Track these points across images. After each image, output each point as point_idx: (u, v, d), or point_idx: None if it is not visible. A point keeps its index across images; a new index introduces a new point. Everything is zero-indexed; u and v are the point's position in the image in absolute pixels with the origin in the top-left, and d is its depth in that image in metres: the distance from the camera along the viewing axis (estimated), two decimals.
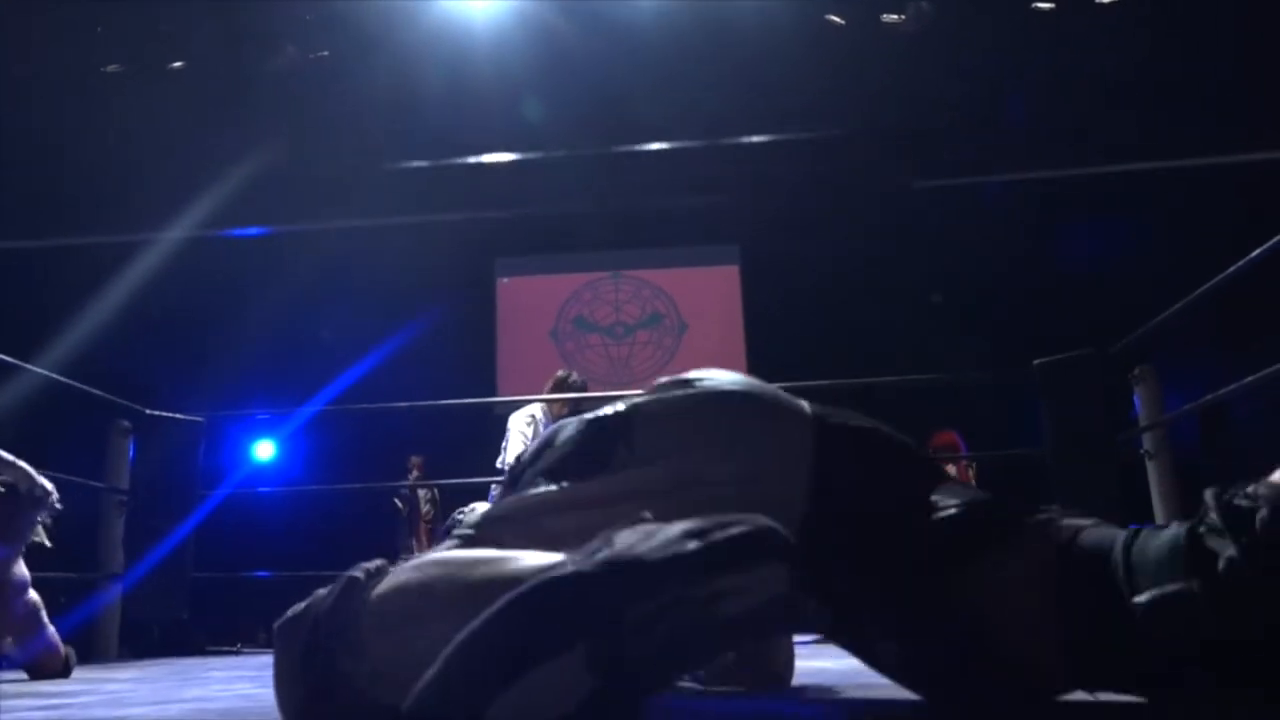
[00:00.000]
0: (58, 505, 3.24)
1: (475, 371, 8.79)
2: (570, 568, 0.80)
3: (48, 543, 3.25)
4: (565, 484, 1.18)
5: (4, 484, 3.07)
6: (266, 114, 6.66)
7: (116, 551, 4.76)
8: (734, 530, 0.80)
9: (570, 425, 1.29)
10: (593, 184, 7.60)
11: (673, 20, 6.73)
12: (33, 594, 3.20)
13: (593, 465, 1.19)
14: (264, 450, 8.61)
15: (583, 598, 0.77)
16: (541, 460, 1.25)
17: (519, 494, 1.22)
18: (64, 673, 3.14)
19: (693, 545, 0.79)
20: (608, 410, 1.27)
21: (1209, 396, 3.67)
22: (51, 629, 3.20)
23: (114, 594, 4.70)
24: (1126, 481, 4.34)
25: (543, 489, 1.19)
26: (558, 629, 0.75)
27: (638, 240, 9.06)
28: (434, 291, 8.51)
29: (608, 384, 8.87)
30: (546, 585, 0.78)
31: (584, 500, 1.15)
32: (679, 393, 1.28)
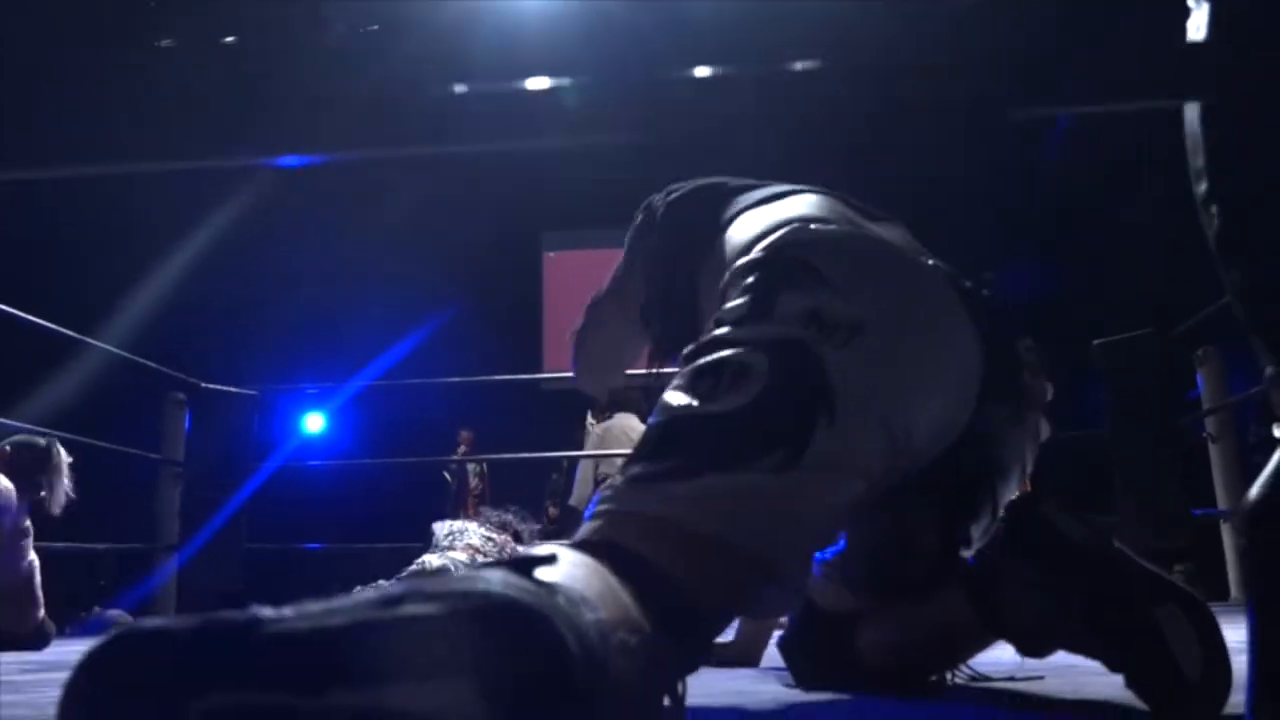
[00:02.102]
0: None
1: (522, 345, 8.81)
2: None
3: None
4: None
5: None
6: (316, 88, 6.67)
7: (173, 523, 4.83)
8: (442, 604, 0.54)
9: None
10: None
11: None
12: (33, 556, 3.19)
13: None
14: (314, 423, 8.70)
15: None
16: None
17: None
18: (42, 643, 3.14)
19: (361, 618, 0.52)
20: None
21: None
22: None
23: (171, 566, 4.78)
24: (1188, 464, 4.25)
25: None
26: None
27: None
28: (482, 266, 8.53)
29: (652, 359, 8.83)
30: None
31: None
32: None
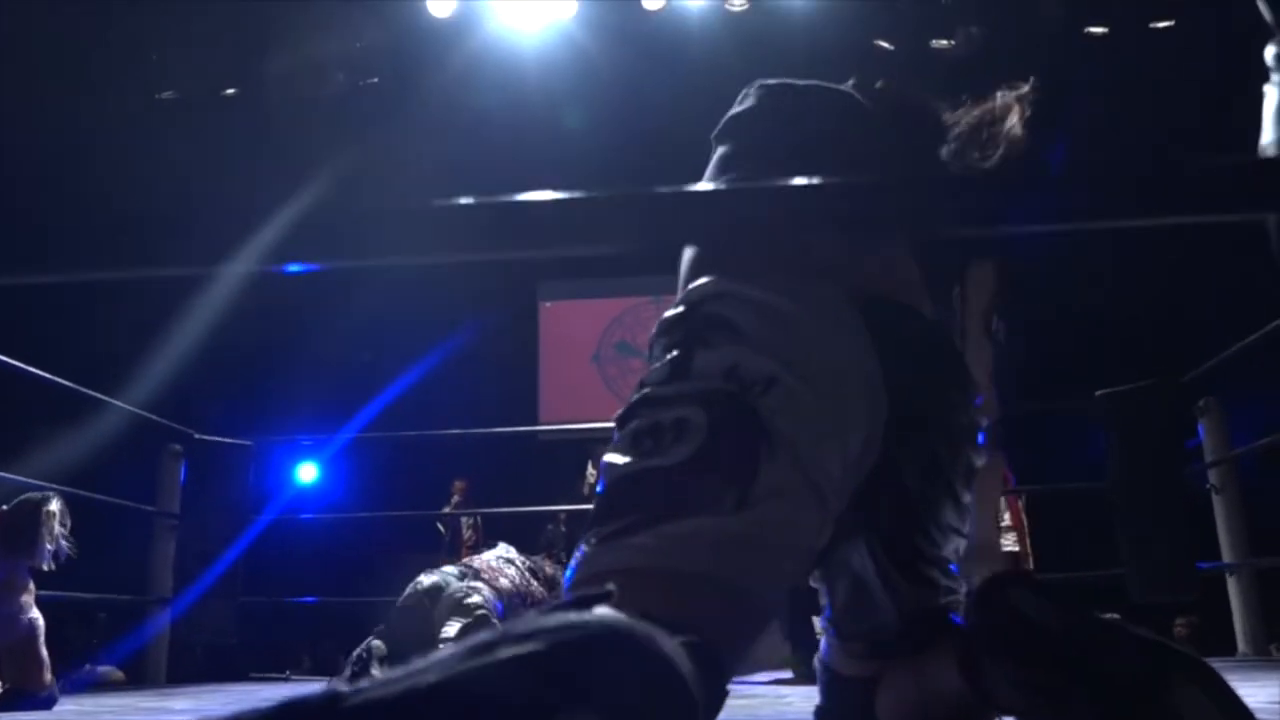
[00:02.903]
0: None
1: (517, 395, 8.78)
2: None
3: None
4: None
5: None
6: (319, 140, 6.72)
7: (167, 575, 4.76)
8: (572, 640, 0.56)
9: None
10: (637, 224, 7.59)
11: (720, 45, 6.72)
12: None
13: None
14: (307, 473, 8.63)
15: None
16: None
17: None
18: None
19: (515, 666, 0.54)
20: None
21: None
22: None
23: (164, 618, 4.71)
24: (1192, 517, 4.23)
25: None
26: None
27: (679, 264, 9.02)
28: (477, 314, 8.53)
29: None
30: None
31: None
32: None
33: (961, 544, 1.28)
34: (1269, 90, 0.92)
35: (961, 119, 1.35)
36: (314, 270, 0.78)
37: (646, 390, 1.06)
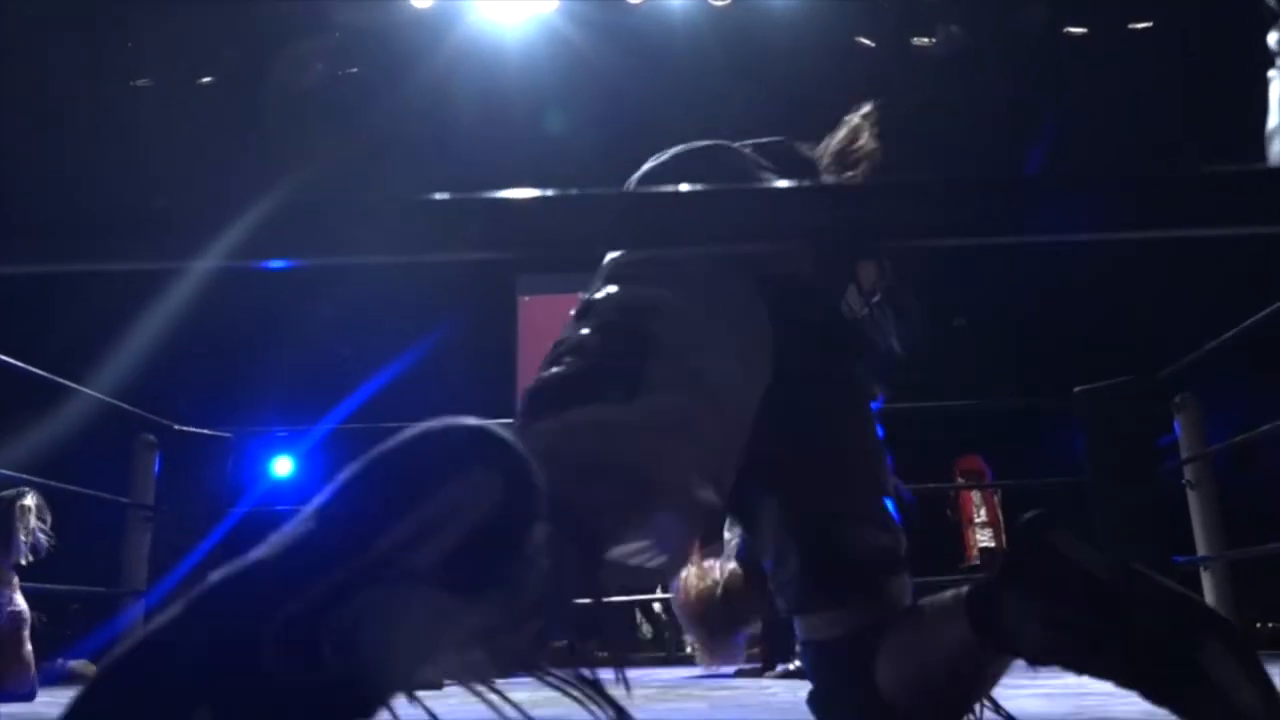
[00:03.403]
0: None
1: (495, 389, 8.74)
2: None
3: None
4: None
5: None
6: (296, 130, 6.67)
7: (141, 567, 4.71)
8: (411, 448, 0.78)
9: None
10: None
11: (702, 41, 6.72)
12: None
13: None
14: (282, 467, 8.57)
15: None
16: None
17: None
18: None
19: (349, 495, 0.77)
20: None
21: (1266, 427, 3.61)
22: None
23: (138, 611, 4.65)
24: (1168, 511, 4.28)
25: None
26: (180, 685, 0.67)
27: None
28: (455, 308, 8.49)
29: None
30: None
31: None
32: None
33: (881, 494, 1.35)
34: (1274, 75, 0.93)
35: (825, 150, 1.49)
36: (290, 267, 0.77)
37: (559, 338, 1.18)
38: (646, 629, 8.37)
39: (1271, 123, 0.92)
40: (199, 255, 0.71)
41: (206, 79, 6.89)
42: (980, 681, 1.31)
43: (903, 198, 0.71)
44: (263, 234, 0.69)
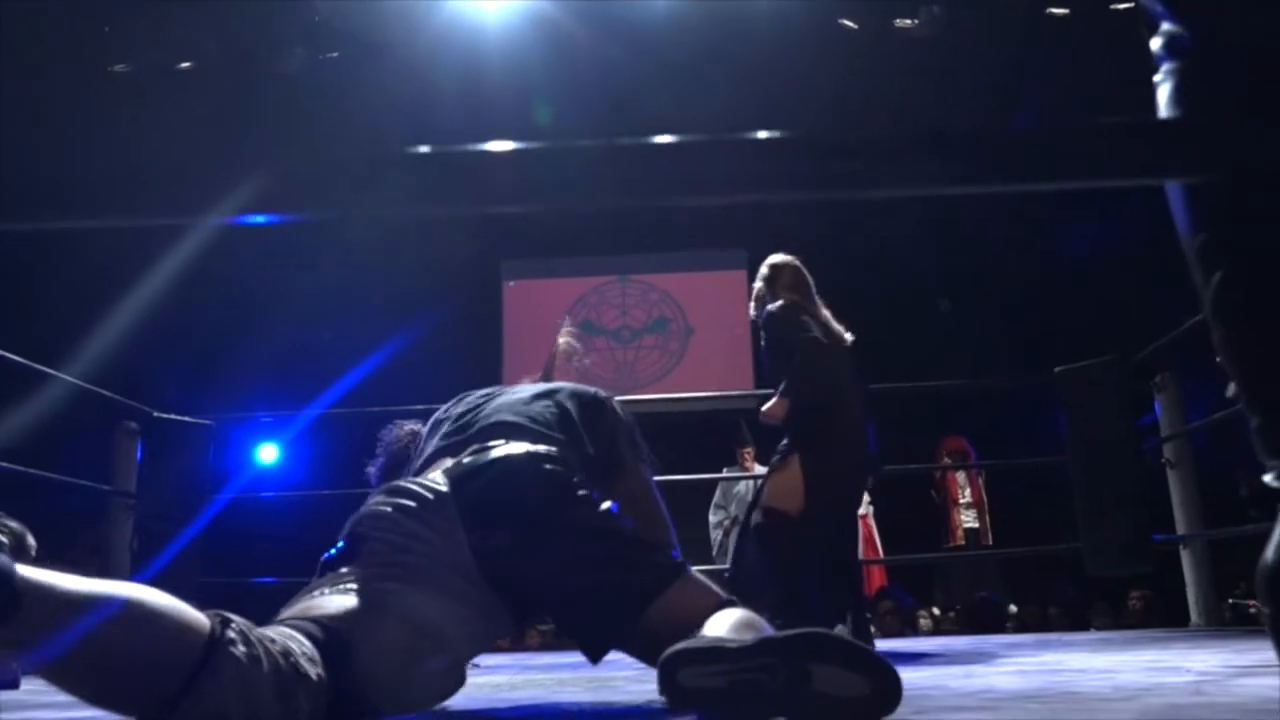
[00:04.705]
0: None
1: (481, 375, 8.70)
2: None
3: None
4: None
5: None
6: (276, 116, 6.62)
7: (124, 555, 4.69)
8: None
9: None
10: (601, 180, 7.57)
11: (684, 24, 6.69)
12: None
13: None
14: (267, 454, 8.54)
15: None
16: None
17: None
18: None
19: None
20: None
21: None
22: None
23: None
24: (1147, 490, 4.30)
25: None
26: None
27: (645, 244, 9.01)
28: (441, 294, 8.47)
29: (613, 388, 8.80)
30: None
31: None
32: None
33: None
34: (1159, 80, 0.93)
35: None
36: (273, 223, 0.77)
37: None
38: None
39: None
40: (177, 210, 0.70)
41: (186, 64, 6.82)
42: None
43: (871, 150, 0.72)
44: (244, 188, 0.69)
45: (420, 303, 8.28)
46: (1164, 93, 0.93)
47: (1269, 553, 0.78)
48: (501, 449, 1.57)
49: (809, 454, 3.12)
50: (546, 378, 2.11)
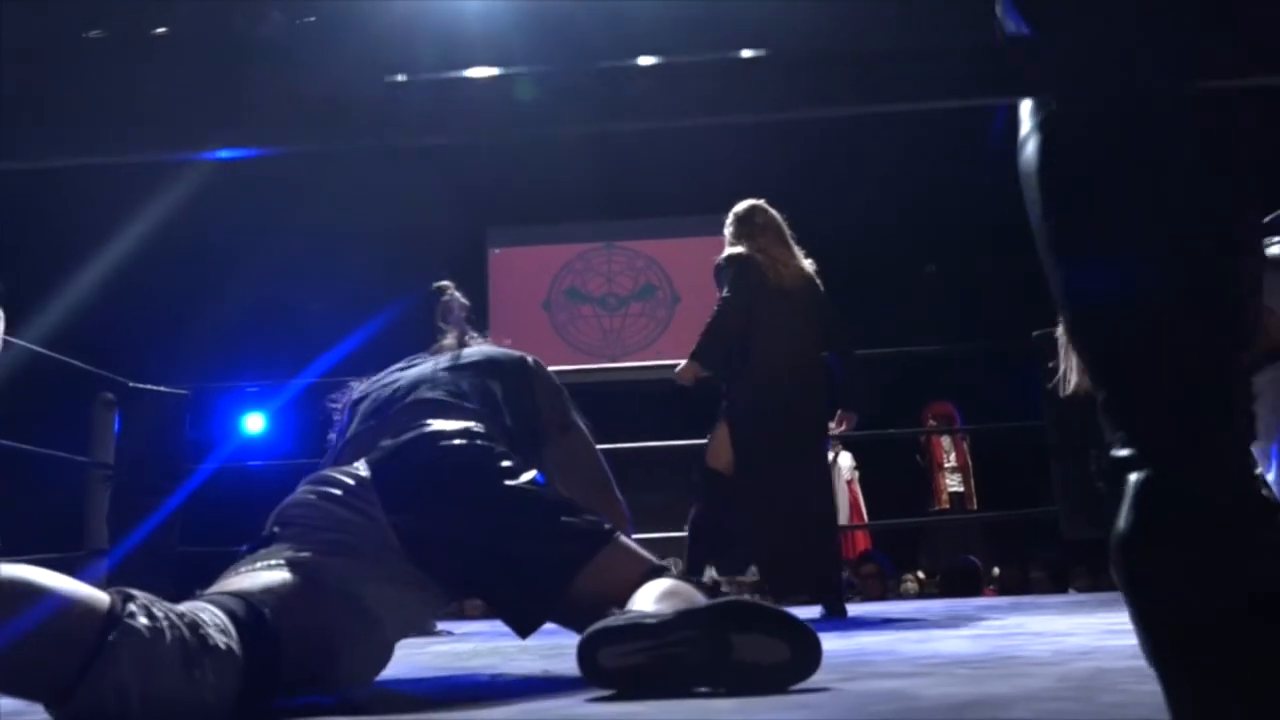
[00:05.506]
0: None
1: None
2: None
3: None
4: None
5: None
6: (253, 81, 6.54)
7: (102, 527, 4.69)
8: None
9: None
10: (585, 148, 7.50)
11: None
12: None
13: None
14: (254, 424, 8.53)
15: None
16: None
17: None
18: None
19: None
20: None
21: None
22: None
23: (100, 570, 4.64)
24: None
25: None
26: None
27: (631, 211, 8.95)
28: (426, 261, 8.41)
29: (600, 356, 8.80)
30: None
31: None
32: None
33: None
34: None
35: None
36: (248, 155, 0.76)
37: None
38: None
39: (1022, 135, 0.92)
40: (152, 144, 0.69)
41: (160, 29, 6.73)
42: None
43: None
44: (218, 122, 0.68)
45: (406, 270, 8.24)
46: (1024, 104, 0.92)
47: (1120, 523, 0.77)
48: (418, 430, 1.56)
49: (730, 406, 3.30)
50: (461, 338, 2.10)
